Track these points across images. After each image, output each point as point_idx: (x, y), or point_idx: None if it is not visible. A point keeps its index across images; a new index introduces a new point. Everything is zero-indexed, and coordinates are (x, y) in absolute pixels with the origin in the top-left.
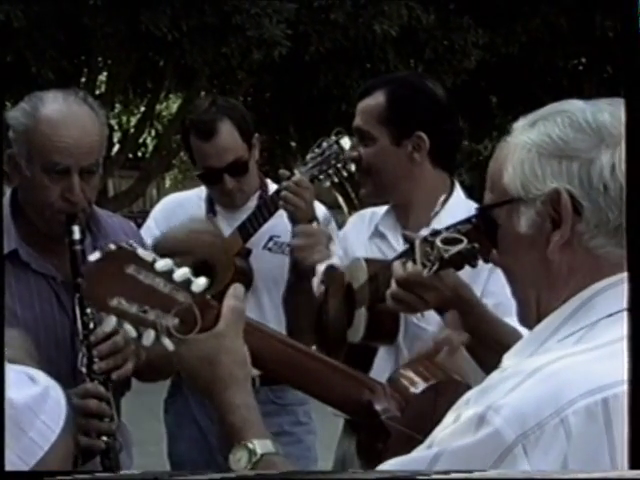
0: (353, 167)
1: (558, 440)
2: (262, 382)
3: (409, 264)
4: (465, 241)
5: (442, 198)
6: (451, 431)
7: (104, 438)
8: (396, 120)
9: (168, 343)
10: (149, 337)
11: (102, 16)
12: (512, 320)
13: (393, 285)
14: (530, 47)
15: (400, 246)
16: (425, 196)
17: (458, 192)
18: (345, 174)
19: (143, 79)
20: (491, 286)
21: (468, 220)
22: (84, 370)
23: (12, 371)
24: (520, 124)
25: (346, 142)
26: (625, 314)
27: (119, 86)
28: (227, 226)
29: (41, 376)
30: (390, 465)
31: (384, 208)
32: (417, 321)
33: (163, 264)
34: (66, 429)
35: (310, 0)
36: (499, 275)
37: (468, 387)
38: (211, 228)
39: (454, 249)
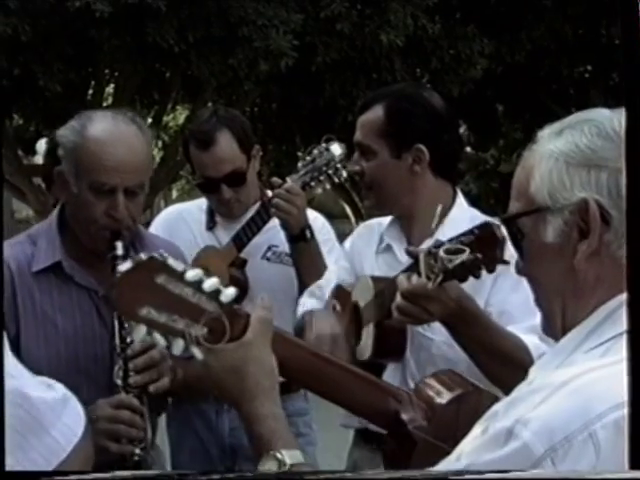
0: (344, 174)
1: (587, 454)
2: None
3: (414, 277)
4: (467, 251)
5: (444, 208)
6: (480, 444)
7: (136, 451)
8: (395, 133)
9: (197, 352)
10: (178, 346)
11: (109, 28)
12: (516, 329)
13: (398, 298)
14: (535, 55)
15: (405, 257)
16: (428, 207)
17: (461, 201)
18: (337, 180)
19: (150, 91)
20: (495, 295)
21: (471, 231)
22: (120, 383)
23: (30, 378)
24: (546, 133)
25: (336, 148)
26: None
27: (126, 98)
28: (227, 236)
29: (59, 386)
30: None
31: (389, 218)
32: (423, 331)
33: (193, 274)
34: (86, 435)
35: (316, 11)
36: (503, 284)
37: (493, 397)
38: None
39: (457, 260)
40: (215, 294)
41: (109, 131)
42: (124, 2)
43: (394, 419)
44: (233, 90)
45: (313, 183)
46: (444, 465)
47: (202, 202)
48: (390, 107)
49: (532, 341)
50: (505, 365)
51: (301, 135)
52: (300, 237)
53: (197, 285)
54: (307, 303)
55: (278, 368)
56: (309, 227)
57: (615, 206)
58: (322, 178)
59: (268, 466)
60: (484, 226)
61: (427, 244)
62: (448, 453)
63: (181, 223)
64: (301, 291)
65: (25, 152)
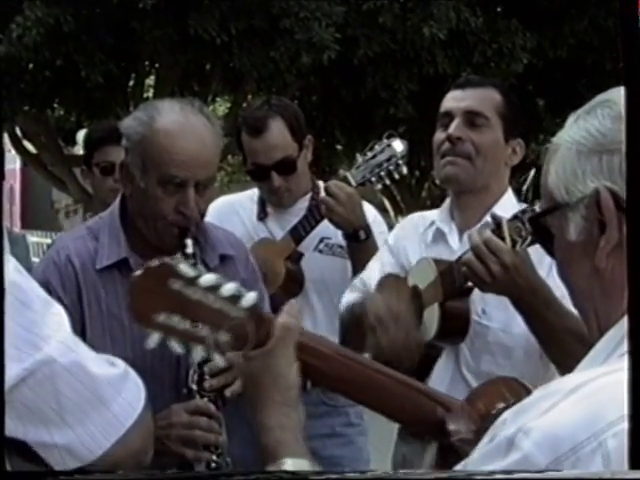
0: (405, 170)
1: (594, 466)
2: (313, 383)
3: (487, 231)
4: None
5: (497, 195)
6: (484, 453)
7: (213, 457)
8: (509, 119)
9: (218, 359)
10: (198, 353)
11: (151, 20)
12: None
13: (468, 252)
14: (578, 49)
15: (457, 245)
16: (497, 195)
17: (509, 191)
18: (397, 176)
19: (190, 83)
20: (550, 283)
21: None
22: (195, 387)
23: (94, 354)
24: (568, 122)
25: (398, 145)
26: None
27: (167, 90)
28: (278, 227)
29: (120, 362)
30: None
31: (435, 211)
32: (478, 318)
33: (207, 279)
34: (146, 410)
35: (359, 3)
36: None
37: None
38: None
39: None
40: (234, 299)
41: (179, 123)
42: None
43: (441, 429)
44: (273, 82)
45: (373, 179)
46: (450, 474)
47: (253, 193)
48: (505, 95)
49: None
50: (574, 347)
51: (341, 128)
52: (354, 237)
53: (213, 290)
54: (350, 298)
55: (321, 380)
56: (365, 228)
57: None
58: (382, 174)
59: None
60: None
61: (475, 228)
62: None
63: (232, 214)
64: None
65: (65, 142)
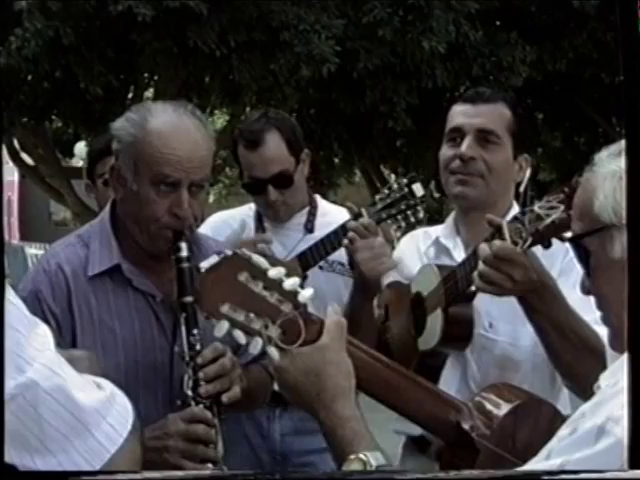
0: (421, 215)
1: None
2: None
3: (496, 242)
4: (561, 208)
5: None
6: (571, 442)
7: (209, 465)
8: (518, 135)
9: (274, 352)
10: (256, 345)
11: (150, 32)
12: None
13: (481, 265)
14: (577, 63)
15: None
16: (499, 211)
17: (515, 206)
18: (413, 220)
19: (189, 95)
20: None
21: (560, 190)
22: (190, 393)
23: (77, 378)
24: (605, 154)
25: (418, 188)
26: None
27: None
28: (275, 242)
29: (107, 384)
30: None
31: (439, 227)
32: (485, 332)
33: (275, 272)
34: (133, 434)
35: (358, 16)
36: (565, 282)
37: (551, 406)
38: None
39: (549, 219)
40: (293, 294)
41: (172, 124)
42: (166, 6)
43: (455, 429)
44: (272, 95)
45: (389, 221)
46: (533, 464)
47: (249, 208)
48: (514, 110)
49: (601, 331)
50: (578, 351)
51: (339, 141)
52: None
53: (278, 283)
54: None
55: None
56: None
57: None
58: (399, 217)
59: (353, 468)
60: (573, 183)
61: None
62: (509, 462)
63: (227, 230)
64: None
65: (63, 154)
